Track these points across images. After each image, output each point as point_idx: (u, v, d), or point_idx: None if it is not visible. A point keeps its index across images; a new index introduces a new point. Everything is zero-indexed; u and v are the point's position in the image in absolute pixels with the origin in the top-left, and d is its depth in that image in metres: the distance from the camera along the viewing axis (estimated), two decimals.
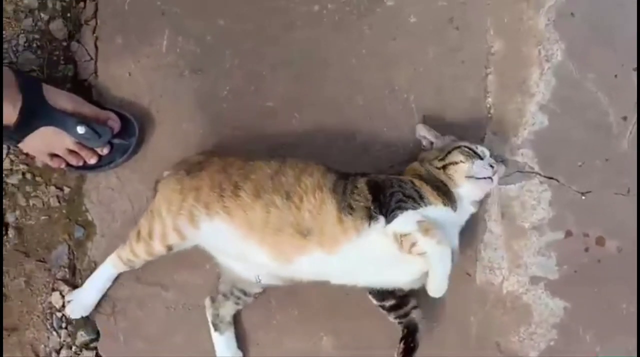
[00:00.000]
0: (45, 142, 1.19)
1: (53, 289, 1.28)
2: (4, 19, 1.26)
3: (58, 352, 1.28)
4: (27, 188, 1.28)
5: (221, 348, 1.20)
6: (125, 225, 1.25)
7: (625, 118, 1.20)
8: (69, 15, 1.29)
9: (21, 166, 1.28)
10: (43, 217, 1.28)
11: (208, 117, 1.25)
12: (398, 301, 1.14)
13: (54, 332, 1.28)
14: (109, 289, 1.25)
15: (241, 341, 1.23)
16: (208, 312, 1.20)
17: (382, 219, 1.02)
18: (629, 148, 1.20)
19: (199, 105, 1.25)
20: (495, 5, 1.22)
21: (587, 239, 1.21)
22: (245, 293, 1.19)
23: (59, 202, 1.28)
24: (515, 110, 1.22)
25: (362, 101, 1.23)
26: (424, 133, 1.18)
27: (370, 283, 1.13)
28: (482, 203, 1.19)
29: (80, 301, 1.24)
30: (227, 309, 1.19)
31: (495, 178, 1.10)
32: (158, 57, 1.26)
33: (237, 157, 1.14)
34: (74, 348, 1.27)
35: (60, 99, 1.19)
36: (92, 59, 1.28)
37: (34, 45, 1.27)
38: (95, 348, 1.27)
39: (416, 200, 1.04)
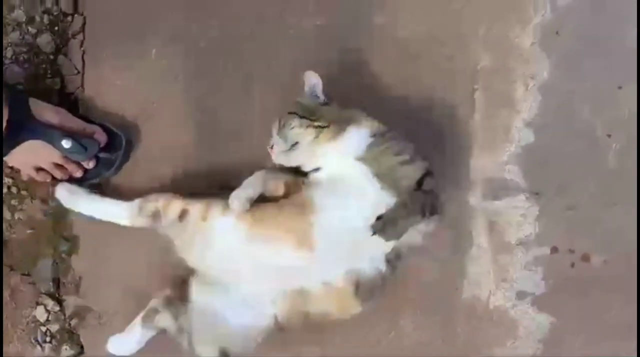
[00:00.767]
0: (31, 156, 1.19)
1: (37, 303, 1.27)
2: None
3: None
4: (12, 202, 1.27)
5: (133, 337, 1.16)
6: (110, 238, 1.24)
7: (610, 135, 1.22)
8: (56, 29, 1.28)
9: (6, 179, 1.27)
10: (28, 231, 1.27)
11: (202, 121, 1.24)
12: None
13: (38, 346, 1.27)
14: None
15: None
16: (153, 302, 1.16)
17: None
18: (614, 164, 1.21)
19: (193, 110, 1.25)
20: (485, 21, 1.23)
21: (573, 254, 1.22)
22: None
23: (44, 215, 1.27)
24: (502, 125, 1.23)
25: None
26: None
27: None
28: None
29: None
30: (166, 319, 1.15)
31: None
32: (147, 68, 1.25)
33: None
34: None
35: (47, 112, 1.18)
36: (79, 72, 1.27)
37: (21, 58, 1.27)
38: None
39: None
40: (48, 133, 1.17)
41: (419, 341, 1.21)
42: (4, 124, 1.12)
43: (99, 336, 1.24)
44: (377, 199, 1.02)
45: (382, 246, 1.04)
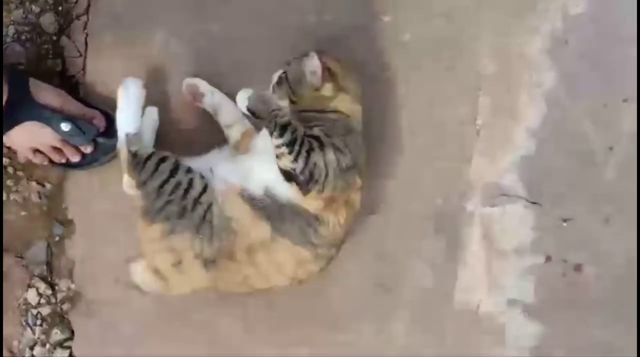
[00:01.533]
0: (28, 137, 1.18)
1: (29, 286, 1.26)
2: None
3: (32, 348, 1.27)
4: (8, 182, 1.26)
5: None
6: (106, 225, 1.24)
7: (611, 148, 1.22)
8: (60, 9, 1.26)
9: (3, 159, 1.26)
10: (23, 213, 1.27)
11: (200, 121, 1.23)
12: None
13: (29, 329, 1.27)
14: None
15: (218, 350, 1.23)
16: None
17: None
18: (613, 178, 1.21)
19: (188, 110, 1.24)
20: (491, 27, 1.22)
21: (566, 264, 1.22)
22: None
23: (40, 198, 1.27)
24: (504, 133, 1.22)
25: None
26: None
27: None
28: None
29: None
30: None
31: None
32: (149, 58, 1.24)
33: None
34: (47, 346, 1.26)
35: (47, 94, 1.17)
36: (81, 55, 1.26)
37: (23, 37, 1.25)
38: (70, 347, 1.26)
39: None
40: (47, 115, 1.16)
41: (408, 345, 1.21)
42: (3, 104, 1.12)
43: (89, 324, 1.25)
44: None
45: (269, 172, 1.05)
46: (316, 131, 1.05)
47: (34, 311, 1.26)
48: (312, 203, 1.05)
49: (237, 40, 1.23)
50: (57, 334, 1.26)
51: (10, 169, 1.26)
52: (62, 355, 1.26)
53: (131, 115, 1.13)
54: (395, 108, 1.22)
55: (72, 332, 1.26)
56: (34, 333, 1.27)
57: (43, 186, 1.27)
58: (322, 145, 1.03)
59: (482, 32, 1.22)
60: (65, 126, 1.16)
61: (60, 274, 1.26)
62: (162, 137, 1.23)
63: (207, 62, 1.22)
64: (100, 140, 1.21)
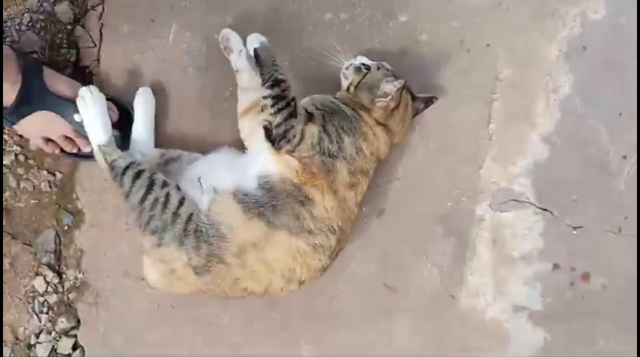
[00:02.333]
0: (41, 126, 1.17)
1: (37, 274, 1.27)
2: None
3: (37, 336, 1.27)
4: (19, 170, 1.26)
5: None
6: (116, 217, 1.24)
7: (625, 157, 1.21)
8: None
9: (15, 147, 1.26)
10: (32, 201, 1.27)
11: (208, 116, 1.23)
12: None
13: (35, 316, 1.27)
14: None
15: (220, 344, 1.23)
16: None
17: None
18: (625, 187, 1.20)
19: (200, 103, 1.24)
20: (509, 31, 1.21)
21: (574, 273, 1.22)
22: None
23: (50, 187, 1.27)
24: (517, 139, 1.21)
25: None
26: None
27: None
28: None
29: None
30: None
31: None
32: (163, 51, 1.24)
33: None
34: (53, 334, 1.27)
35: (60, 84, 1.17)
36: (95, 45, 1.25)
37: (38, 25, 1.25)
38: (75, 336, 1.27)
39: None
40: (61, 105, 1.16)
41: (411, 345, 1.21)
42: (16, 92, 1.11)
43: (96, 314, 1.25)
44: None
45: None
46: (313, 109, 1.08)
47: (41, 299, 1.27)
48: (287, 163, 1.05)
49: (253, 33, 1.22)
50: (62, 323, 1.27)
51: (21, 157, 1.26)
52: (67, 343, 1.27)
53: (98, 124, 1.13)
54: None
55: (78, 321, 1.27)
56: (39, 320, 1.27)
57: (54, 175, 1.27)
58: (310, 118, 1.07)
59: (499, 35, 1.21)
60: (78, 117, 1.16)
61: (69, 263, 1.27)
62: (170, 130, 1.23)
63: (221, 55, 1.21)
64: (114, 132, 1.20)
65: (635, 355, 1.17)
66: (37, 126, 1.17)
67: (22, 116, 1.15)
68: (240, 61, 1.17)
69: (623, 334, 1.19)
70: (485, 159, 1.22)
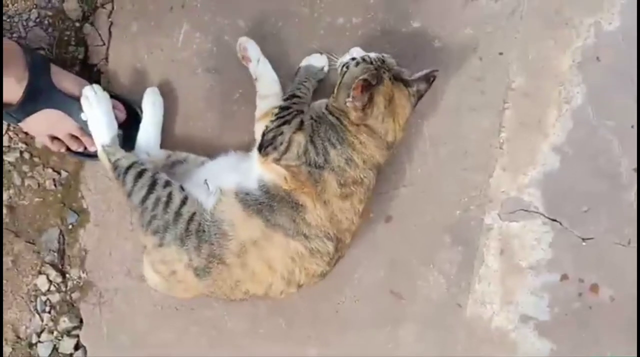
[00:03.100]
0: (47, 125, 1.16)
1: (40, 272, 1.26)
2: None
3: (39, 335, 1.27)
4: (24, 167, 1.25)
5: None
6: (121, 217, 1.23)
7: (635, 169, 1.19)
8: None
9: (20, 144, 1.25)
10: (37, 199, 1.26)
11: (217, 118, 1.22)
12: None
13: (37, 315, 1.26)
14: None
15: (226, 347, 1.22)
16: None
17: None
18: (635, 199, 1.19)
19: (208, 105, 1.22)
20: (522, 40, 1.20)
21: (582, 284, 1.21)
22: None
23: (55, 185, 1.25)
24: (528, 148, 1.20)
25: None
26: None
27: None
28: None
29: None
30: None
31: None
32: (172, 51, 1.22)
33: None
34: (55, 333, 1.26)
35: (67, 81, 1.16)
36: (104, 44, 1.24)
37: (46, 22, 1.23)
38: (77, 336, 1.26)
39: None
40: (68, 103, 1.14)
41: (416, 352, 1.21)
42: (23, 89, 1.10)
43: (99, 314, 1.24)
44: None
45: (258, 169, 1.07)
46: (307, 118, 1.07)
47: (43, 298, 1.26)
48: (275, 170, 1.04)
49: (265, 36, 1.21)
50: (65, 322, 1.26)
51: (26, 155, 1.25)
52: (69, 343, 1.26)
53: (102, 124, 1.13)
54: (419, 115, 1.20)
55: (81, 321, 1.26)
56: (41, 320, 1.26)
57: (59, 173, 1.25)
58: (300, 127, 1.05)
59: (513, 43, 1.20)
60: (84, 115, 1.14)
61: (72, 262, 1.26)
62: (177, 132, 1.22)
63: (231, 57, 1.20)
64: (120, 131, 1.19)
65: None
66: (43, 124, 1.16)
67: (28, 114, 1.14)
68: (258, 69, 1.16)
69: (629, 346, 1.18)
70: (495, 168, 1.21)
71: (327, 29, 1.22)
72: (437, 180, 1.21)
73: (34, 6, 1.23)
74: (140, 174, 1.07)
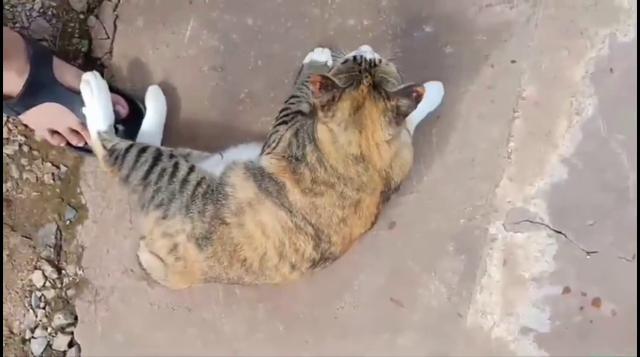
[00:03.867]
0: (47, 118, 1.14)
1: (35, 267, 1.24)
2: None
3: (32, 331, 1.25)
4: (22, 161, 1.23)
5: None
6: (120, 214, 1.21)
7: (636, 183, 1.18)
8: None
9: (19, 137, 1.23)
10: (35, 193, 1.24)
11: (221, 118, 1.20)
12: None
13: (31, 311, 1.25)
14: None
15: (222, 350, 1.21)
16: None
17: None
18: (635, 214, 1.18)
19: (213, 104, 1.20)
20: (536, 49, 1.18)
21: (584, 298, 1.20)
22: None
23: (54, 180, 1.23)
24: (536, 159, 1.19)
25: None
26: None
27: None
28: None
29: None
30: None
31: None
32: (178, 48, 1.20)
33: None
34: (49, 329, 1.24)
35: (69, 75, 1.13)
36: (108, 37, 1.22)
37: (50, 13, 1.21)
38: (72, 333, 1.24)
39: None
40: (69, 97, 1.12)
41: None
42: (23, 82, 1.08)
43: (94, 311, 1.22)
44: None
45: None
46: (299, 118, 1.06)
47: (38, 293, 1.24)
48: (265, 162, 1.05)
49: (274, 36, 1.19)
50: (59, 319, 1.24)
51: (25, 148, 1.23)
52: (63, 340, 1.24)
53: (100, 111, 1.10)
54: (427, 121, 1.18)
55: (76, 318, 1.24)
56: (36, 315, 1.25)
57: (58, 167, 1.23)
58: (293, 124, 1.05)
59: (526, 52, 1.18)
60: (85, 110, 1.12)
61: (69, 259, 1.24)
62: (180, 129, 1.20)
63: (238, 54, 1.18)
64: (121, 127, 1.17)
65: None
66: (43, 118, 1.14)
67: (28, 107, 1.12)
68: None
69: None
70: (502, 178, 1.19)
71: (337, 30, 1.19)
72: (442, 187, 1.19)
73: None
74: (144, 149, 1.06)
